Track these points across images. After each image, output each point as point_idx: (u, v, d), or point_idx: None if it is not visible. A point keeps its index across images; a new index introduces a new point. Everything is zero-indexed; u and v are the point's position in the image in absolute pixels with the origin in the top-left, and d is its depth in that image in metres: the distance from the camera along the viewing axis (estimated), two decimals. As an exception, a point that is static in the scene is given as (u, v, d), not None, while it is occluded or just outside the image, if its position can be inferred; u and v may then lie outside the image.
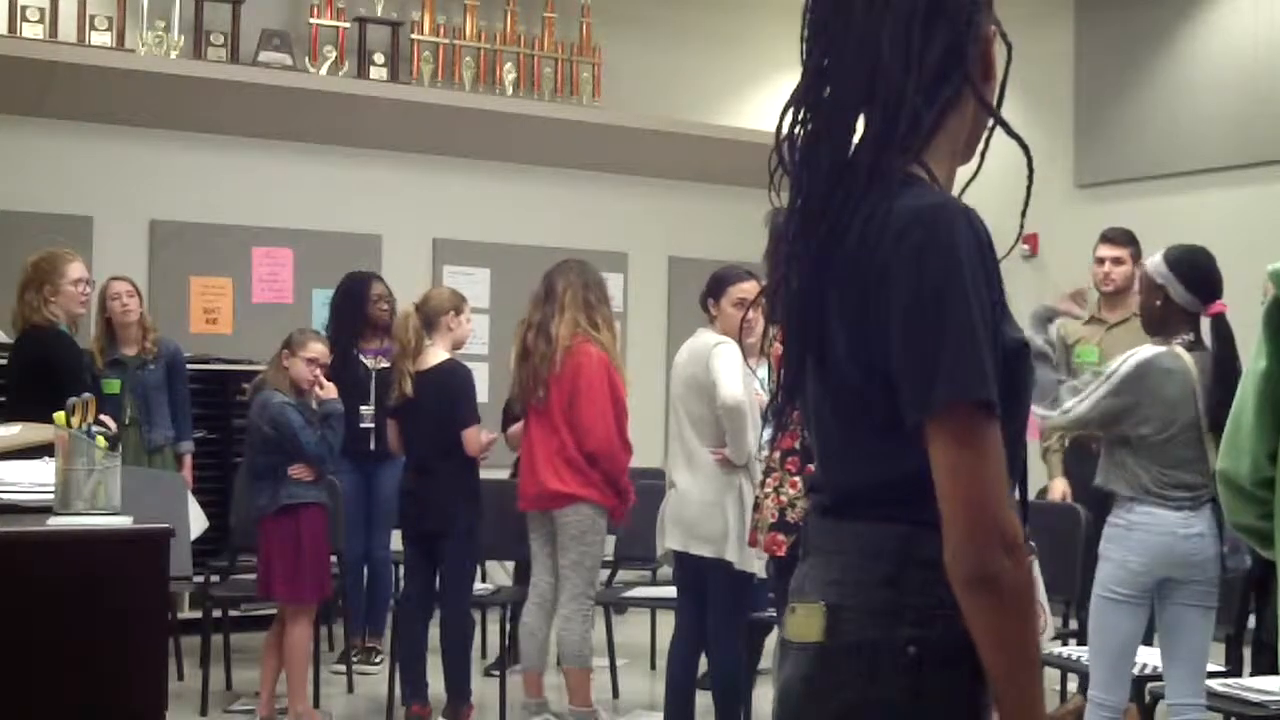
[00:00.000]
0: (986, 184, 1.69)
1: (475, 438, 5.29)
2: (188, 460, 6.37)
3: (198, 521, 5.83)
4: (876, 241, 1.50)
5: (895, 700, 1.51)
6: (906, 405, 1.47)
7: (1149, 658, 4.30)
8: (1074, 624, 5.09)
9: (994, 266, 1.51)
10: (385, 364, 6.16)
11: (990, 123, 1.63)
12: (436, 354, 5.35)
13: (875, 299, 1.49)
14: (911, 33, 1.54)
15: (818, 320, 1.58)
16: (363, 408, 6.29)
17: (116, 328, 6.19)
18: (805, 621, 1.58)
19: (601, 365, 5.10)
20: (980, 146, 1.65)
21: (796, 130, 1.61)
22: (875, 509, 1.55)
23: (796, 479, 3.92)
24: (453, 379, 5.32)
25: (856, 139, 1.58)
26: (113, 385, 6.08)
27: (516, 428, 5.65)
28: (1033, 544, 1.61)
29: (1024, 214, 1.63)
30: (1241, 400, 2.06)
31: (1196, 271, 4.02)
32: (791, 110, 1.62)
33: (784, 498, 4.00)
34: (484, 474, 5.73)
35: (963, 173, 1.67)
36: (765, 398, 4.43)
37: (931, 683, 1.50)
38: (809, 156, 1.60)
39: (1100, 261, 5.61)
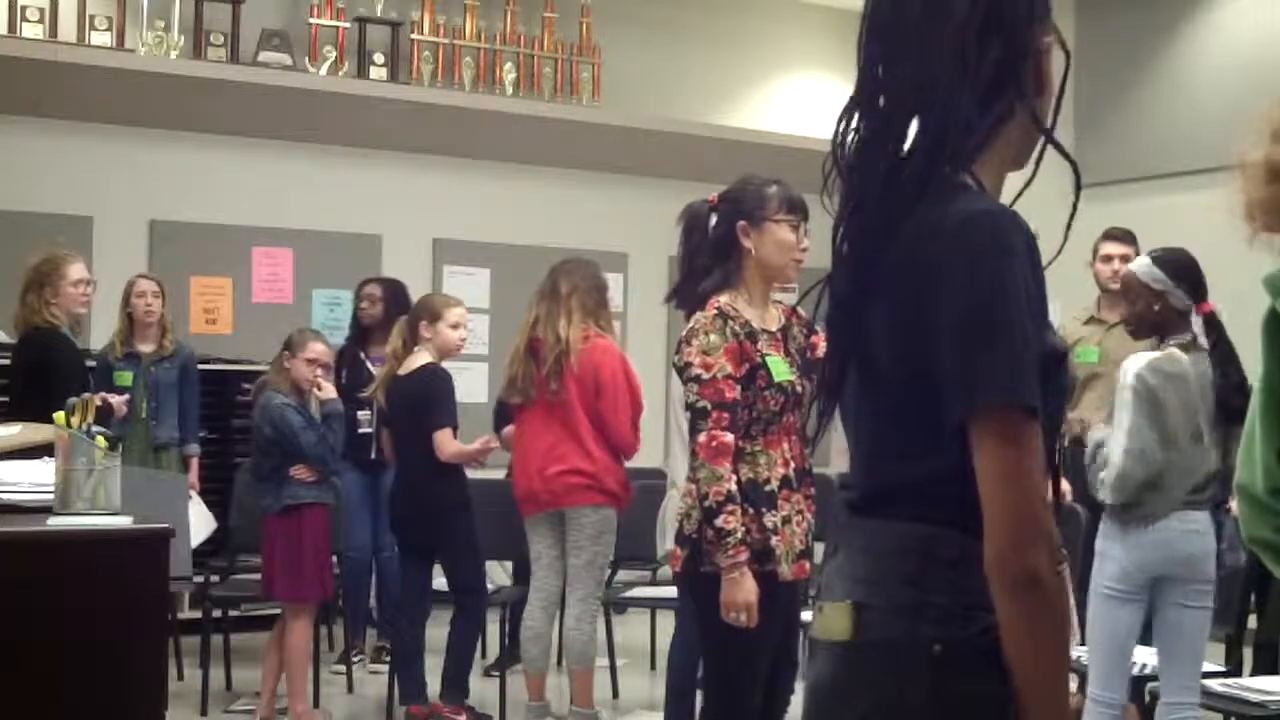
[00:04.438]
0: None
1: (447, 441, 5.27)
2: (194, 463, 6.42)
3: (205, 524, 5.86)
4: (930, 244, 1.51)
5: (922, 699, 1.51)
6: (950, 404, 1.48)
7: (1147, 658, 4.30)
8: (1074, 623, 5.09)
9: (1041, 275, 1.53)
10: None
11: (1050, 124, 1.64)
12: (418, 359, 5.35)
13: (926, 300, 1.50)
14: (967, 43, 1.55)
15: (863, 321, 1.59)
16: (360, 413, 6.28)
17: (136, 324, 6.26)
18: (833, 620, 1.59)
19: (620, 360, 5.13)
20: (1035, 155, 1.65)
21: (850, 134, 1.62)
22: (902, 508, 1.56)
23: (693, 487, 3.54)
24: (424, 382, 5.31)
25: (909, 145, 1.59)
26: (125, 377, 6.16)
27: (512, 429, 5.63)
28: (1064, 550, 1.63)
29: (1068, 226, 1.64)
30: (1251, 411, 2.06)
31: (1191, 273, 4.07)
32: (846, 113, 1.63)
33: (682, 507, 3.65)
34: (480, 474, 5.73)
35: (1015, 180, 1.67)
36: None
37: (957, 682, 1.50)
38: (861, 161, 1.61)
39: (1108, 259, 5.63)
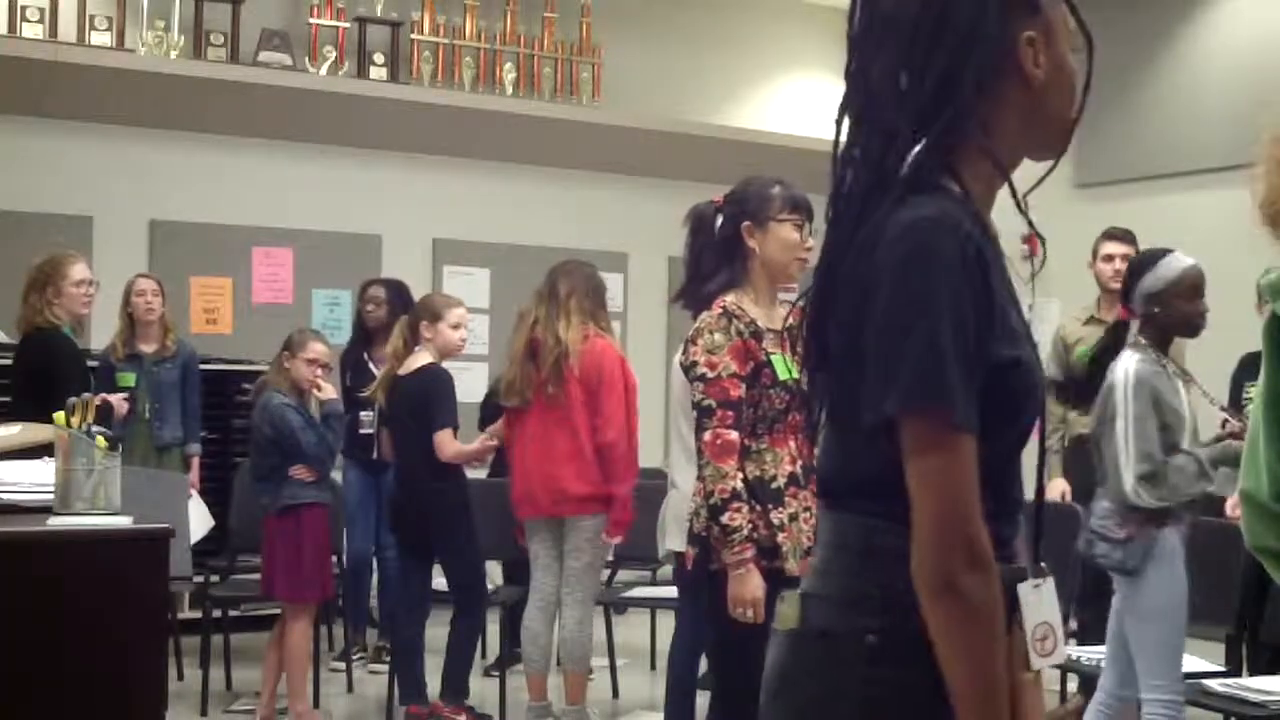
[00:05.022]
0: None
1: (448, 441, 5.26)
2: (195, 462, 6.43)
3: (204, 522, 5.87)
4: (872, 251, 1.53)
5: (856, 688, 1.53)
6: (870, 407, 1.51)
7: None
8: (1073, 624, 5.09)
9: (982, 282, 1.51)
10: None
11: (1074, 113, 1.63)
12: (419, 359, 5.35)
13: (865, 304, 1.53)
14: (916, 41, 1.56)
15: (824, 321, 1.63)
16: (362, 414, 6.29)
17: (138, 324, 6.26)
18: (786, 609, 1.63)
19: (619, 359, 5.14)
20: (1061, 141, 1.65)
21: (839, 142, 1.65)
22: (850, 501, 1.59)
23: (701, 485, 3.56)
24: (425, 383, 5.31)
25: (876, 150, 1.61)
26: (127, 378, 6.18)
27: (500, 425, 5.63)
28: (1044, 565, 1.63)
29: (1034, 230, 1.66)
30: (1254, 417, 2.05)
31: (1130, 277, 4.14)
32: (836, 121, 1.66)
33: (690, 507, 3.67)
34: (479, 474, 5.73)
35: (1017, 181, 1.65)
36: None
37: (890, 672, 1.52)
38: (840, 168, 1.64)
39: (1110, 259, 5.64)
